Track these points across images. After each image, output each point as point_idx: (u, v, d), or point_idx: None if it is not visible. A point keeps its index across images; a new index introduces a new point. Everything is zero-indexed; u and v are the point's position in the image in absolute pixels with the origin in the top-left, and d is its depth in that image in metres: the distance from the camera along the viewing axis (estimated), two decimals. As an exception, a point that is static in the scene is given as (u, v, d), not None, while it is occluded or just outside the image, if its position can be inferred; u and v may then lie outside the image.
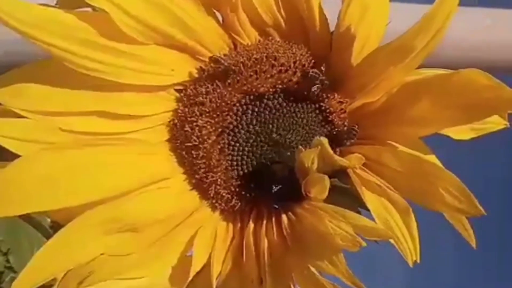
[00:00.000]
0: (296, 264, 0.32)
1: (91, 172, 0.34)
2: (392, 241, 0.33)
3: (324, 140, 0.32)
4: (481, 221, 0.33)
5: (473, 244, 0.35)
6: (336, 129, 0.37)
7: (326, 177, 0.32)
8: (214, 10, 0.37)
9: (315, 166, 0.33)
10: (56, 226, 0.36)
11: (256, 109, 0.37)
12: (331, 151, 0.32)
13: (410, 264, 0.33)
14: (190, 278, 0.34)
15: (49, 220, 0.55)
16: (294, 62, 0.37)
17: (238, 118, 0.37)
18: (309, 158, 0.33)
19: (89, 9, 0.35)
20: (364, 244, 0.29)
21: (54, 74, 0.35)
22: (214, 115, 0.36)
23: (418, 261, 0.33)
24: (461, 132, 0.36)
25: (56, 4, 0.40)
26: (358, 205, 0.35)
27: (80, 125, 0.35)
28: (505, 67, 1.09)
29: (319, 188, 0.33)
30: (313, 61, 0.37)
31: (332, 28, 0.37)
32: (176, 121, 0.37)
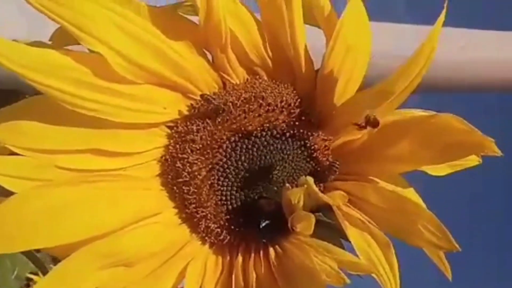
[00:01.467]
0: (283, 298, 0.34)
1: (87, 209, 0.35)
2: (373, 275, 0.34)
3: (310, 180, 0.34)
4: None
5: (449, 276, 0.37)
6: (320, 165, 0.39)
7: (312, 215, 0.34)
8: (205, 51, 0.38)
9: (301, 204, 0.35)
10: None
11: (245, 147, 0.38)
12: (316, 190, 0.34)
13: (391, 297, 0.34)
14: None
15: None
16: (281, 101, 0.38)
17: (228, 155, 0.38)
18: (296, 196, 0.34)
19: (82, 46, 0.36)
20: (348, 281, 0.31)
21: (49, 111, 0.36)
22: (205, 152, 0.38)
23: (399, 292, 0.34)
24: (438, 169, 0.38)
25: (49, 40, 0.41)
26: (342, 238, 0.37)
27: (75, 163, 0.36)
28: (479, 86, 1.12)
29: (305, 224, 0.34)
30: (299, 100, 0.39)
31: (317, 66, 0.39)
32: (167, 157, 0.38)
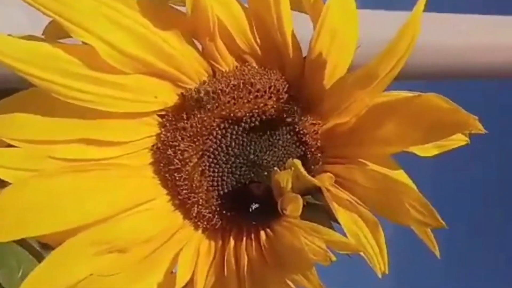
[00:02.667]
0: (274, 279, 0.35)
1: (80, 197, 0.36)
2: (362, 254, 0.35)
3: (297, 162, 0.35)
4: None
5: (437, 254, 0.37)
6: (310, 149, 0.39)
7: (299, 196, 0.34)
8: (194, 40, 0.39)
9: (289, 186, 0.35)
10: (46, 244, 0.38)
11: (235, 133, 0.39)
12: (304, 172, 0.35)
13: (379, 275, 0.35)
14: (175, 294, 0.36)
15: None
16: (270, 87, 0.39)
17: (218, 142, 0.39)
18: (284, 179, 0.35)
19: (76, 39, 0.37)
20: (334, 258, 0.32)
21: (42, 103, 0.37)
22: (195, 139, 0.39)
23: (387, 272, 0.35)
24: (425, 150, 0.38)
25: (42, 34, 0.42)
26: (331, 219, 0.38)
27: (68, 153, 0.37)
28: (480, 72, 1.12)
29: (293, 206, 0.35)
30: (287, 85, 0.40)
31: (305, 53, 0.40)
32: (159, 145, 0.39)
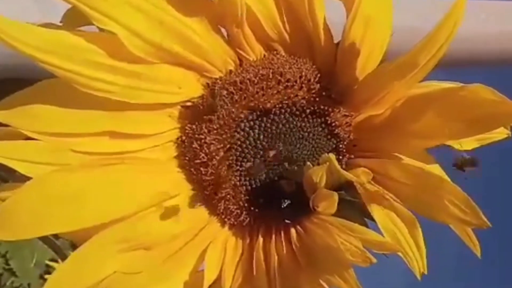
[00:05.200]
0: (307, 279, 0.33)
1: (103, 193, 0.34)
2: (400, 254, 0.33)
3: (332, 157, 0.33)
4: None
5: (478, 253, 0.36)
6: (342, 142, 0.38)
7: (335, 193, 0.33)
8: (220, 27, 0.37)
9: (323, 182, 0.33)
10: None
11: (263, 125, 0.37)
12: (339, 167, 0.33)
13: (418, 276, 0.33)
14: (202, 293, 0.35)
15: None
16: (300, 77, 0.37)
17: (246, 134, 0.37)
18: (318, 174, 0.33)
19: (93, 27, 0.36)
20: (374, 260, 0.30)
21: (62, 94, 0.35)
22: (222, 132, 0.37)
23: (426, 272, 0.33)
24: (465, 143, 0.37)
25: (60, 22, 0.40)
26: (365, 217, 0.36)
27: (90, 146, 0.35)
28: (502, 59, 1.09)
29: (327, 203, 0.33)
30: (318, 75, 0.38)
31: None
32: (184, 138, 0.38)
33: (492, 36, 1.03)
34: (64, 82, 0.34)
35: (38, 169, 0.34)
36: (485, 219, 0.32)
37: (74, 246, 0.34)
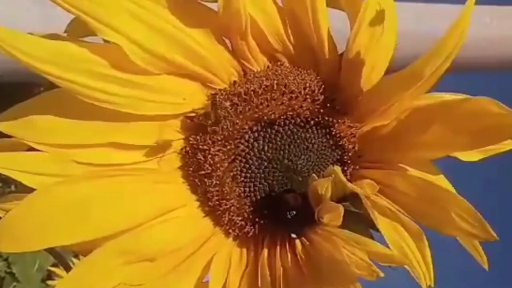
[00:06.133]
0: (312, 291, 0.33)
1: (108, 204, 0.34)
2: (406, 266, 0.33)
3: (338, 169, 0.33)
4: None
5: (486, 267, 0.35)
6: (346, 153, 0.38)
7: (341, 206, 0.33)
8: (224, 38, 0.37)
9: (328, 194, 0.33)
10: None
11: (268, 136, 0.37)
12: (344, 179, 0.33)
13: (424, 288, 0.33)
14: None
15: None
16: (304, 88, 0.37)
17: (250, 145, 0.37)
18: (323, 186, 0.33)
19: (98, 37, 0.35)
20: (381, 274, 0.30)
21: (65, 105, 0.35)
22: (226, 143, 0.37)
23: (433, 285, 0.33)
24: (470, 154, 0.36)
25: (64, 32, 0.40)
26: (371, 228, 0.36)
27: (93, 157, 0.35)
28: (505, 64, 1.09)
29: (333, 215, 0.33)
30: (323, 86, 0.38)
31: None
32: (188, 148, 0.37)
33: (495, 40, 1.03)
34: (67, 93, 0.34)
35: (40, 180, 0.34)
36: (493, 233, 0.32)
37: (75, 253, 0.33)
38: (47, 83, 0.35)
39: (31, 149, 0.35)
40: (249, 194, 0.37)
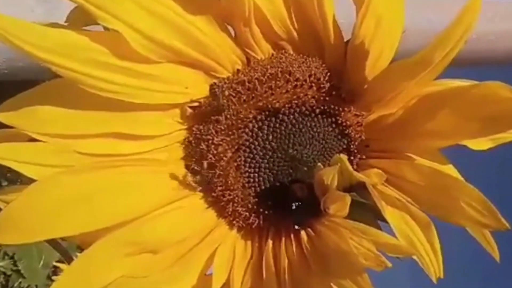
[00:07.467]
0: (318, 283, 0.32)
1: (110, 195, 0.33)
2: (415, 257, 0.32)
3: (344, 158, 0.32)
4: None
5: (497, 257, 0.35)
6: (353, 143, 0.37)
7: (347, 195, 0.32)
8: (227, 25, 0.36)
9: (334, 183, 0.33)
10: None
11: (272, 125, 0.36)
12: (351, 168, 0.32)
13: (434, 280, 0.32)
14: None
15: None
16: (309, 76, 0.36)
17: (254, 135, 0.36)
18: (329, 176, 0.32)
19: (99, 26, 0.35)
20: (389, 265, 0.29)
21: (67, 95, 0.34)
22: (230, 132, 0.36)
23: (442, 276, 0.32)
24: (479, 143, 0.35)
25: (65, 22, 0.39)
26: (378, 219, 0.35)
27: (95, 147, 0.34)
28: (508, 58, 1.08)
29: (339, 205, 0.32)
30: (328, 74, 0.37)
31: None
32: (191, 139, 0.37)
33: (498, 34, 1.02)
34: (68, 82, 0.33)
35: (42, 171, 0.33)
36: (504, 221, 0.31)
37: (80, 248, 0.33)
38: (52, 77, 0.35)
39: (32, 139, 0.35)
40: (253, 185, 0.37)
